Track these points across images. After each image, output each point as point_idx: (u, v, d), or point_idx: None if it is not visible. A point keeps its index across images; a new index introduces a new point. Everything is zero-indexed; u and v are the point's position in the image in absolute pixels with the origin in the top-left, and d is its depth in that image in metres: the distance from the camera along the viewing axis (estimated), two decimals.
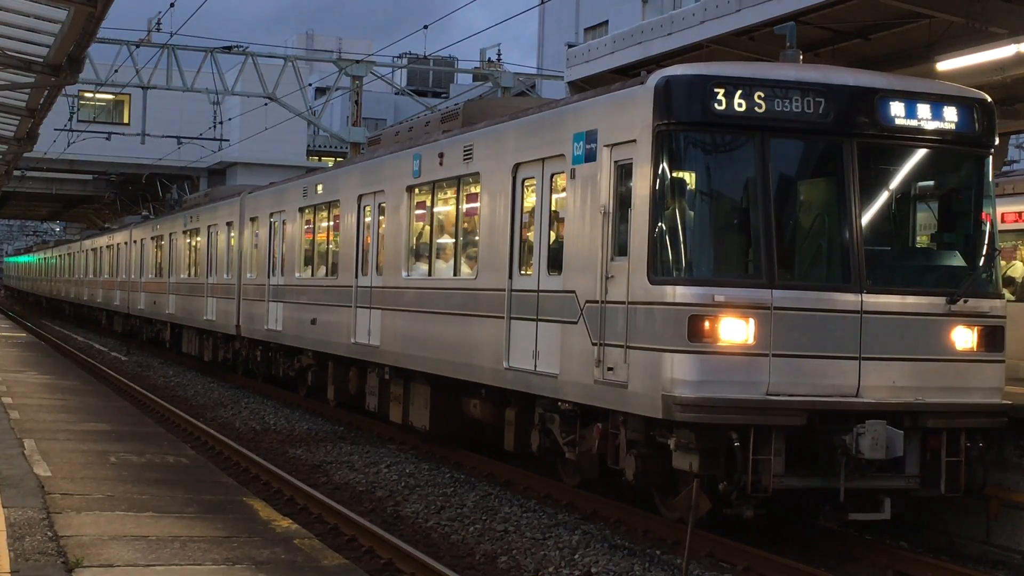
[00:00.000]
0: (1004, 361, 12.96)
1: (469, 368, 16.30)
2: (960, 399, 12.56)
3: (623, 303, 12.63)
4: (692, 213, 12.39)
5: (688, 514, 11.55)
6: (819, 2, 17.09)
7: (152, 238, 41.63)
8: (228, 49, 41.75)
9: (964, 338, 12.65)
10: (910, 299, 12.54)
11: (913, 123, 12.72)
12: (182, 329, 36.58)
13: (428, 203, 18.35)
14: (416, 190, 18.74)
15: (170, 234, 38.45)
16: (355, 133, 39.33)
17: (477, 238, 16.41)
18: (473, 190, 16.75)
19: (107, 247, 52.32)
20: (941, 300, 12.60)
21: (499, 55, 70.61)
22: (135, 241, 44.87)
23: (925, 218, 13.48)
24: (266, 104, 42.05)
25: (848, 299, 12.28)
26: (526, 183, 15.24)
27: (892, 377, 12.34)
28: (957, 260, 13.21)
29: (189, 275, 35.49)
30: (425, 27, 33.37)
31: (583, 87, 21.28)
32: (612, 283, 12.87)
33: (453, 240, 17.50)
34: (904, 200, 13.20)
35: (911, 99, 12.74)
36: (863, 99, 12.57)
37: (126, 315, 46.55)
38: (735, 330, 11.89)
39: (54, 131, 45.83)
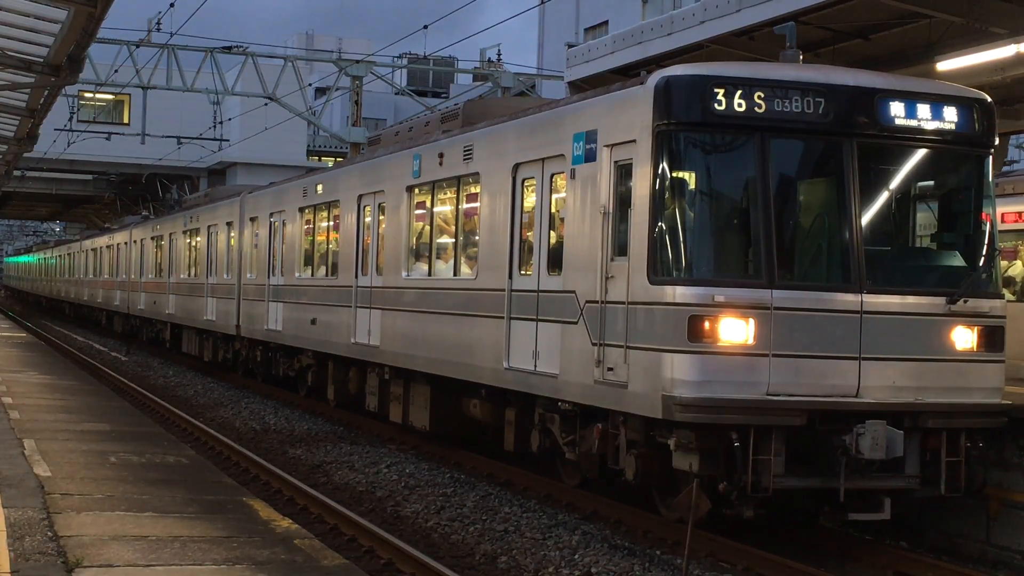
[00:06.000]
0: (1004, 361, 12.96)
1: (469, 368, 16.30)
2: (960, 399, 12.56)
3: (623, 303, 12.62)
4: (692, 213, 12.38)
5: (688, 514, 11.54)
6: (819, 2, 17.09)
7: (152, 238, 41.63)
8: (228, 49, 41.75)
9: (964, 338, 12.64)
10: (910, 299, 12.54)
11: (913, 123, 12.71)
12: (182, 329, 36.58)
13: (428, 203, 18.35)
14: (416, 190, 18.73)
15: (170, 234, 38.44)
16: (355, 133, 39.32)
17: (477, 238, 16.41)
18: (473, 190, 16.75)
19: (107, 247, 52.31)
20: (941, 300, 12.59)
21: (499, 55, 70.64)
22: (135, 241, 44.86)
23: (925, 218, 13.48)
24: (266, 104, 42.04)
25: (848, 299, 12.27)
26: (526, 183, 15.24)
27: (892, 377, 12.33)
28: (957, 260, 13.20)
29: (189, 275, 35.49)
30: (425, 27, 33.37)
31: (583, 87, 21.28)
32: (612, 283, 12.87)
33: (453, 240, 17.50)
34: (904, 200, 13.19)
35: (911, 99, 12.73)
36: (863, 99, 12.57)
37: (126, 315, 46.54)
38: (735, 330, 11.88)
39: (54, 131, 45.82)
